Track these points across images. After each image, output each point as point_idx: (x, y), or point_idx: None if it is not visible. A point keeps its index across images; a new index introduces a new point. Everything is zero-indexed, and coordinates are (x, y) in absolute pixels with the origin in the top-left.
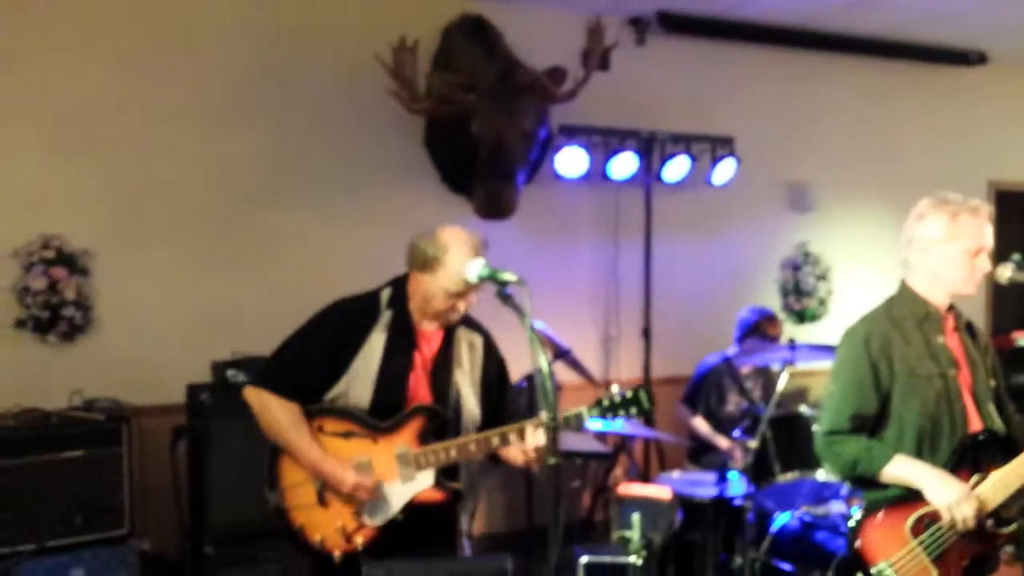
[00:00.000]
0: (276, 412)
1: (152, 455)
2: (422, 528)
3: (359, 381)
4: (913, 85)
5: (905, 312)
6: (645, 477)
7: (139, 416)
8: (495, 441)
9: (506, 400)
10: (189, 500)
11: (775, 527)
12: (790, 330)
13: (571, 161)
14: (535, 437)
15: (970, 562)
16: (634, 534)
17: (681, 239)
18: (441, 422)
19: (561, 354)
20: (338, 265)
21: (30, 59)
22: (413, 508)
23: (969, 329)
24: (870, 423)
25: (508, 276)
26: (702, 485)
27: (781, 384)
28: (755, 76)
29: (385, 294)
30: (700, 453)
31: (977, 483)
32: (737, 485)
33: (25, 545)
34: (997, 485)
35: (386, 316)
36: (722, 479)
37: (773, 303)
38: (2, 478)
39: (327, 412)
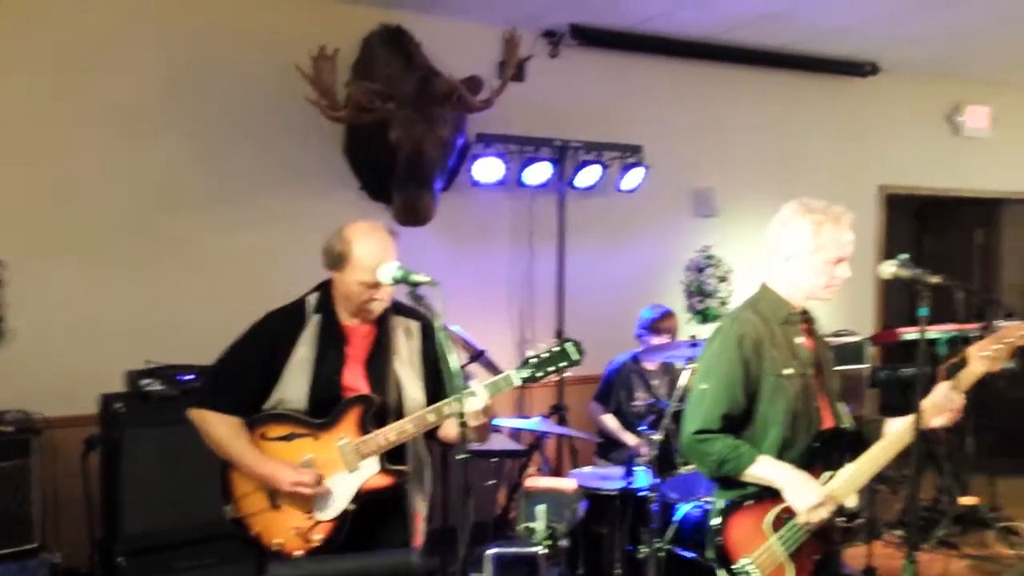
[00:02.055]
0: (215, 427)
1: (64, 467)
2: (377, 516)
3: (294, 385)
4: (810, 95)
5: (769, 313)
6: (558, 473)
7: (51, 427)
8: (431, 418)
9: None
10: (102, 511)
11: (678, 517)
12: (694, 329)
13: (488, 168)
14: (467, 405)
15: (821, 556)
16: (539, 525)
17: (593, 243)
18: (379, 409)
19: (476, 355)
20: (256, 273)
21: None
22: (364, 496)
23: (817, 333)
24: (737, 422)
25: (420, 277)
26: (610, 479)
27: (683, 380)
28: (663, 87)
29: (312, 299)
30: (608, 449)
31: (828, 480)
32: (643, 478)
33: None
34: (847, 482)
35: (314, 320)
36: (629, 473)
37: (678, 304)
38: None
39: (268, 419)
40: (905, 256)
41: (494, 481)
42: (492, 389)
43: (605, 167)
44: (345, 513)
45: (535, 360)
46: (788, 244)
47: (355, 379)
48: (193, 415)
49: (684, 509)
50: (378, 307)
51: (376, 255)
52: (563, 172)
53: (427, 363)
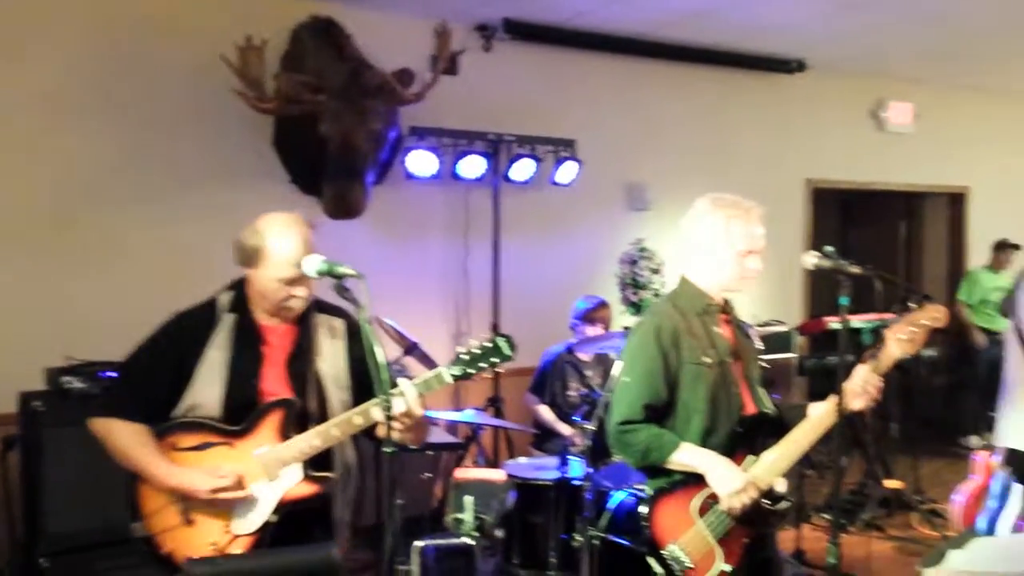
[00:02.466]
0: (119, 437)
1: None
2: (301, 527)
3: (207, 390)
4: (740, 91)
5: (687, 305)
6: (494, 465)
7: None
8: (358, 421)
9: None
10: (22, 512)
11: (612, 504)
12: (628, 320)
13: (422, 162)
14: (396, 405)
15: (749, 540)
16: (467, 515)
17: (527, 237)
18: (301, 413)
19: (410, 348)
20: (183, 268)
21: None
22: (287, 507)
23: (737, 322)
24: (660, 412)
25: (345, 270)
26: (545, 469)
27: (615, 369)
28: (596, 82)
29: (224, 298)
30: (544, 440)
31: (751, 465)
32: (577, 467)
33: None
34: (770, 466)
35: (228, 320)
36: (564, 463)
37: (613, 296)
38: None
39: (178, 427)
40: (830, 248)
41: (430, 474)
42: (422, 388)
43: (539, 161)
44: (266, 525)
45: (466, 357)
46: (700, 237)
47: (275, 382)
48: (95, 425)
49: (618, 497)
50: (298, 305)
51: (294, 249)
52: (497, 166)
53: (353, 363)
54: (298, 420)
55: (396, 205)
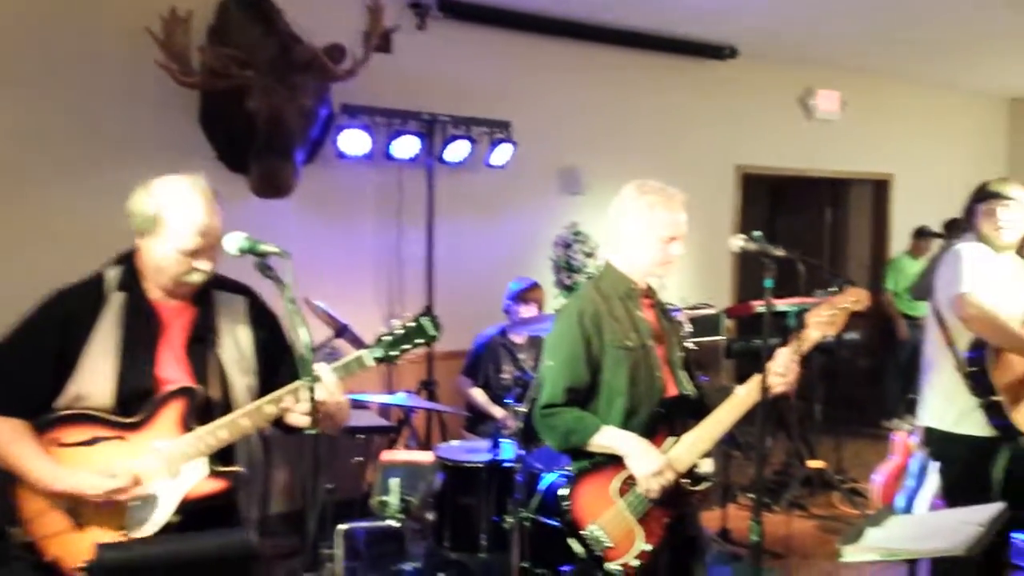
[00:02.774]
0: None
1: None
2: (204, 526)
3: (96, 378)
4: (673, 76)
5: (610, 289)
6: (427, 448)
7: None
8: (269, 409)
9: (285, 362)
10: None
11: (542, 486)
12: (561, 304)
13: (354, 141)
14: (314, 391)
15: (671, 520)
16: (392, 498)
17: (462, 219)
18: (204, 402)
19: (340, 330)
20: (104, 246)
21: None
22: (190, 505)
23: (660, 306)
24: (583, 395)
25: (269, 248)
26: (477, 452)
27: None
28: (531, 64)
29: (112, 274)
30: (477, 423)
31: (671, 446)
32: (508, 450)
33: None
34: (689, 447)
35: (116, 299)
36: (496, 445)
37: (546, 279)
38: None
39: (62, 421)
40: (758, 233)
41: (361, 458)
42: (342, 372)
43: (474, 142)
44: (168, 526)
45: (388, 339)
46: (625, 223)
47: (172, 368)
48: None
49: (549, 479)
50: (198, 279)
51: (196, 215)
52: (432, 146)
53: (259, 345)
54: (201, 410)
55: (327, 184)
